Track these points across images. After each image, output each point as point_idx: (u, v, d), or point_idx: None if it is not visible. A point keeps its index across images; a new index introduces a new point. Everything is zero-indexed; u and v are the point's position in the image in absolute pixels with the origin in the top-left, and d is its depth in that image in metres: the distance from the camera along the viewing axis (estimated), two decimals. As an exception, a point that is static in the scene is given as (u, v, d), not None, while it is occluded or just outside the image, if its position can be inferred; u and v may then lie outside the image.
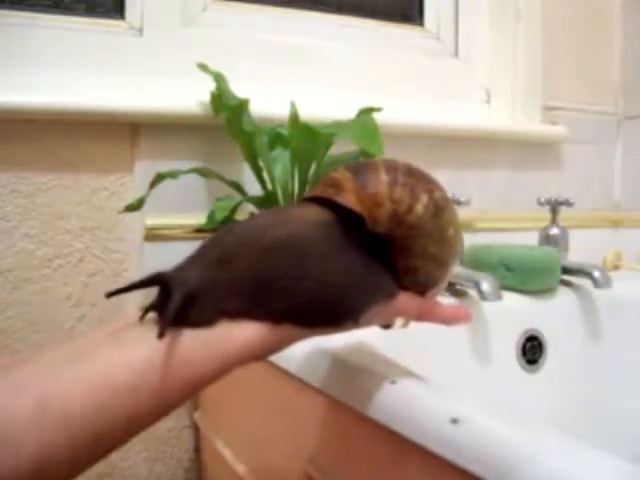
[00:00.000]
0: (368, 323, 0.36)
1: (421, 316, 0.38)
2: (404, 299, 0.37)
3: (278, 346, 0.33)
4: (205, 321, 0.31)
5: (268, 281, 0.32)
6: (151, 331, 0.29)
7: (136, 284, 0.31)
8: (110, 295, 0.31)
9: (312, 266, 0.32)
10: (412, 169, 0.36)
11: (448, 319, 0.39)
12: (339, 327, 0.34)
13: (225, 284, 0.31)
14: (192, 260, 0.32)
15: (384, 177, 0.35)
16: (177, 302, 0.30)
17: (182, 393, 0.30)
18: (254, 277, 0.32)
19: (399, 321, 0.40)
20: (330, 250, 0.33)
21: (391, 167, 0.36)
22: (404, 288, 0.37)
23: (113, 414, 0.28)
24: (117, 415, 0.28)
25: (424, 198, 0.35)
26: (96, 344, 0.30)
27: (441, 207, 0.36)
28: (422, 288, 0.37)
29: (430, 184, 0.36)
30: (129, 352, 0.29)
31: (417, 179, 0.36)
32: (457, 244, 0.37)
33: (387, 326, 0.40)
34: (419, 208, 0.35)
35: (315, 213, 0.34)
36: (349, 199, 0.34)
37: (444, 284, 0.39)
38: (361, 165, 0.36)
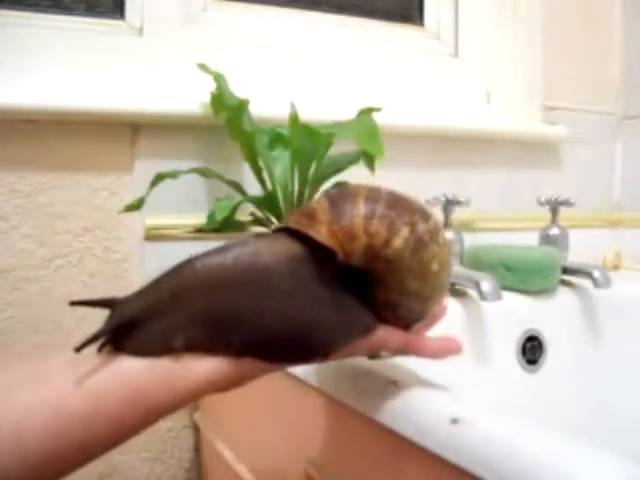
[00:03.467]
0: (345, 356, 0.35)
1: (405, 350, 0.36)
2: (384, 333, 0.35)
3: (240, 380, 0.33)
4: (146, 351, 0.31)
5: (227, 315, 0.31)
6: (109, 361, 0.30)
7: (89, 302, 0.32)
8: (73, 304, 0.32)
9: (275, 301, 0.32)
10: (397, 199, 0.34)
11: (436, 353, 0.37)
12: (306, 362, 0.34)
13: (176, 317, 0.31)
14: (144, 290, 0.32)
15: (362, 209, 0.33)
16: (108, 326, 0.31)
17: (140, 421, 0.30)
18: (211, 311, 0.31)
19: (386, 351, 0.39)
20: (297, 285, 0.32)
21: (372, 198, 0.34)
22: (386, 322, 0.35)
23: (67, 441, 0.28)
24: (70, 442, 0.28)
25: (404, 232, 0.33)
26: (52, 369, 0.30)
27: (424, 241, 0.34)
28: (405, 323, 0.36)
29: (414, 217, 0.34)
30: (85, 380, 0.29)
31: (399, 211, 0.34)
32: (442, 278, 0.35)
33: (373, 356, 0.38)
34: (397, 242, 0.33)
35: (284, 245, 0.33)
36: (321, 232, 0.33)
37: (437, 318, 0.38)
38: (340, 195, 0.34)
